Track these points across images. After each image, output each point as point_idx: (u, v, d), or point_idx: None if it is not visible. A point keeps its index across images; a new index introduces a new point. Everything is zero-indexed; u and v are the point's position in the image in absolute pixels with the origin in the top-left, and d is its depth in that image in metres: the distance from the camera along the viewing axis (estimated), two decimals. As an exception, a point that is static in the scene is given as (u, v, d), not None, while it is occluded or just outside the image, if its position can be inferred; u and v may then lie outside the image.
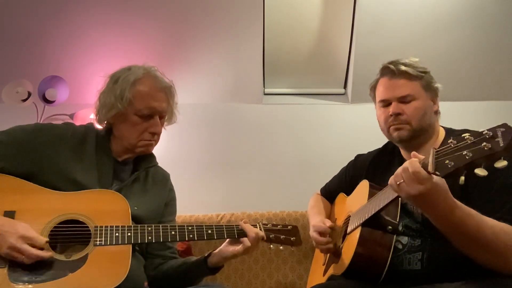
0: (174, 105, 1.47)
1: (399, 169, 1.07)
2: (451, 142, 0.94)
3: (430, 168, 0.97)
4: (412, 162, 1.04)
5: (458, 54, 2.62)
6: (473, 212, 1.08)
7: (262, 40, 2.60)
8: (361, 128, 2.66)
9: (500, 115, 2.73)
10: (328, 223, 1.53)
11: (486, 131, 0.89)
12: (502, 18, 2.51)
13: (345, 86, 2.88)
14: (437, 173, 0.96)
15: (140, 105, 1.37)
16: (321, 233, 1.50)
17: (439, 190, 1.03)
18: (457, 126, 1.46)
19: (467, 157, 0.90)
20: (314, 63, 2.82)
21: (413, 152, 1.09)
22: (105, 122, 1.44)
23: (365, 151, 1.71)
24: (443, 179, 1.02)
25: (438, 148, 0.97)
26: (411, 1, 2.46)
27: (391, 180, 1.09)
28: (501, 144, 0.86)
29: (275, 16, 2.63)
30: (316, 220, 1.58)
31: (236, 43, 2.58)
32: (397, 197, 1.14)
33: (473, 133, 0.91)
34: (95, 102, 1.44)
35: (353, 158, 1.74)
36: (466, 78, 2.68)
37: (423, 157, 1.05)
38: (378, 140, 1.66)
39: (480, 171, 0.89)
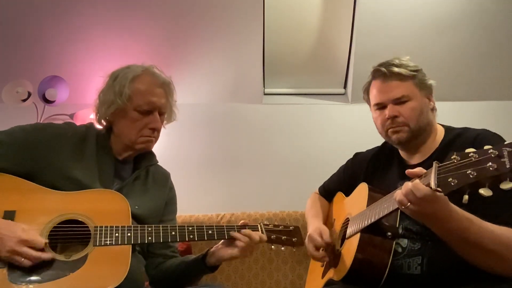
0: (173, 102, 1.47)
1: (402, 193, 1.03)
2: (454, 158, 0.90)
3: (432, 185, 0.93)
4: (416, 185, 1.00)
5: (458, 54, 2.62)
6: (473, 217, 1.06)
7: (262, 40, 2.60)
8: (361, 128, 2.65)
9: (500, 115, 2.73)
10: (326, 235, 1.47)
11: (491, 150, 0.84)
12: (502, 18, 2.51)
13: (345, 86, 2.88)
14: (439, 189, 0.92)
15: (139, 101, 1.38)
16: (317, 247, 1.47)
17: (440, 203, 1.02)
18: (456, 126, 1.45)
19: (471, 176, 0.85)
20: (314, 63, 2.82)
21: (408, 170, 1.06)
22: (105, 119, 1.44)
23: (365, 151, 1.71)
24: None
25: (441, 164, 0.94)
26: (411, 1, 2.46)
27: (398, 203, 1.07)
28: (508, 166, 0.81)
29: (275, 16, 2.63)
30: (313, 227, 1.54)
31: (236, 43, 2.58)
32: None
33: (478, 150, 0.87)
34: (94, 101, 1.44)
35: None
36: (466, 78, 2.68)
37: (423, 172, 1.02)
38: (378, 140, 1.66)
39: (485, 192, 0.85)
